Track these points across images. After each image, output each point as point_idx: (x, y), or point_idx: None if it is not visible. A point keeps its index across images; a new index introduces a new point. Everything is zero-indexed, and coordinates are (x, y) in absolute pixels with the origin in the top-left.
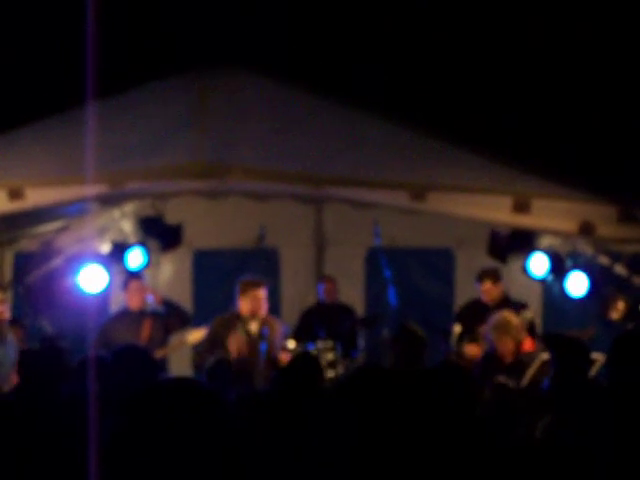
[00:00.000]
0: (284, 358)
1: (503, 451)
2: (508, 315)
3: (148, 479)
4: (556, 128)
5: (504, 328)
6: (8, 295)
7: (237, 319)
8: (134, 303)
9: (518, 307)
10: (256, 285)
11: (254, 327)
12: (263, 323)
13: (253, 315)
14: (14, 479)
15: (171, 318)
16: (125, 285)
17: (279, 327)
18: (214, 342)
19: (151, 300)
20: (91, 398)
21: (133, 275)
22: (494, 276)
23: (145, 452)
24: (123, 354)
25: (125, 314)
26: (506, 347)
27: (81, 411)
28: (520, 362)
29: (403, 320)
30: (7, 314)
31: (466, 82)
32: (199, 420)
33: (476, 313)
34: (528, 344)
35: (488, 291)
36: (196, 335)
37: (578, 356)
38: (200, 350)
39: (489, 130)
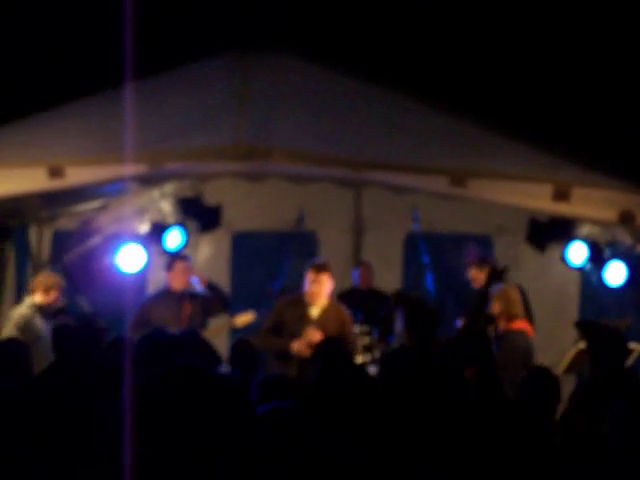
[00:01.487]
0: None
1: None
2: (511, 287)
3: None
4: (597, 117)
5: (499, 294)
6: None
7: (301, 302)
8: (178, 284)
9: None
10: (317, 268)
11: (315, 312)
12: (324, 309)
13: (313, 298)
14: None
15: (211, 301)
16: (170, 265)
17: (342, 316)
18: (277, 324)
19: (196, 282)
20: (126, 377)
21: (179, 256)
22: (478, 262)
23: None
24: (187, 339)
25: (166, 294)
26: (494, 310)
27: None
28: (504, 337)
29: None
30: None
31: (508, 69)
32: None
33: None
34: (520, 324)
35: (474, 278)
36: (244, 318)
37: (615, 345)
38: (263, 332)
39: (530, 117)
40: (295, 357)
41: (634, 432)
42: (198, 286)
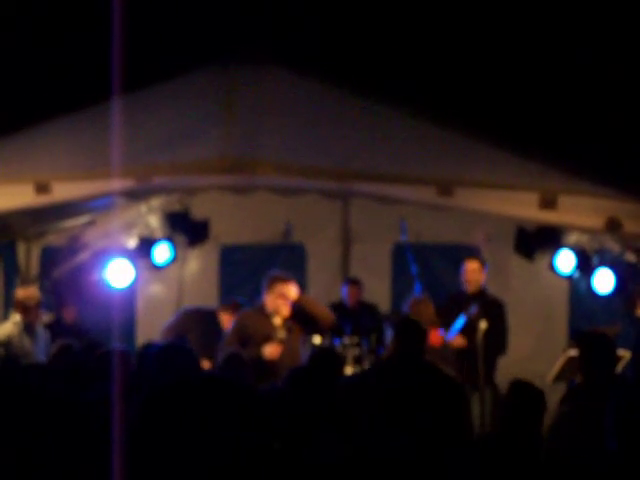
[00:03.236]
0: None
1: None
2: (417, 300)
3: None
4: (583, 124)
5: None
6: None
7: (263, 313)
8: (227, 325)
9: (490, 304)
10: (282, 281)
11: (278, 321)
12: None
13: (277, 311)
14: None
15: None
16: (233, 309)
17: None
18: (242, 338)
19: None
20: (114, 392)
21: (239, 305)
22: (482, 261)
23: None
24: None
25: (213, 319)
26: None
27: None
28: None
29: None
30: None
31: (494, 79)
32: (231, 415)
33: (455, 303)
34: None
35: (472, 271)
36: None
37: (606, 352)
38: (227, 346)
39: (516, 126)
40: (272, 364)
41: (623, 438)
42: None
